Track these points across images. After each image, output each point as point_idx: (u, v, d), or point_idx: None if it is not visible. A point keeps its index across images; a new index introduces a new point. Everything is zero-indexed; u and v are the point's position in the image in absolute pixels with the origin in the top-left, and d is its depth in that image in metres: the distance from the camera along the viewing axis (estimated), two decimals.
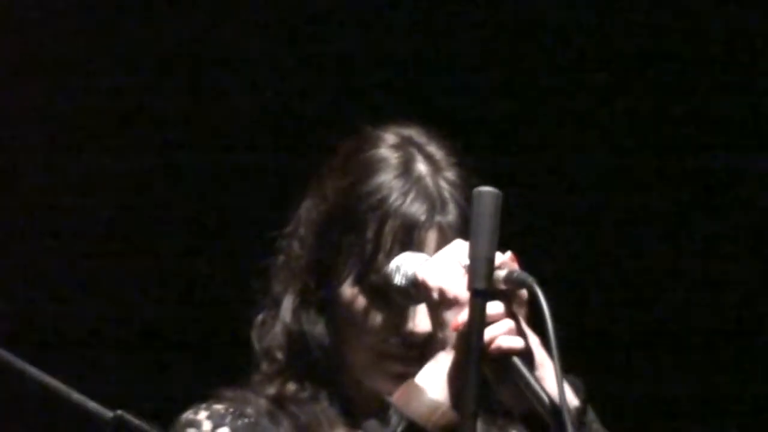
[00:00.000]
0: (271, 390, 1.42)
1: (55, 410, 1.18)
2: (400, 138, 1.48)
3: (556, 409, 1.20)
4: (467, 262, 1.24)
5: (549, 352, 1.22)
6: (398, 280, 1.36)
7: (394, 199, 1.41)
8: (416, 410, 1.29)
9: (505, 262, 1.26)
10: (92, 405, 1.13)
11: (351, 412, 1.41)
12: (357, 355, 1.43)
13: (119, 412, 1.18)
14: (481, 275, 1.23)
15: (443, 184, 1.43)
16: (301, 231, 1.48)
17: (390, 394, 1.33)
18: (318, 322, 1.44)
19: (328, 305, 1.44)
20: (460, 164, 1.47)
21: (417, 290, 1.34)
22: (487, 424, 1.41)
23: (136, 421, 1.18)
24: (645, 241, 3.25)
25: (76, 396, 1.12)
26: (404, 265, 1.36)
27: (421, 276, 1.32)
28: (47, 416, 2.29)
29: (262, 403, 1.41)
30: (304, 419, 1.38)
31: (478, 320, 1.21)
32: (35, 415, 2.27)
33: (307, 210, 1.49)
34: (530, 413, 1.25)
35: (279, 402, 1.41)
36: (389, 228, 1.39)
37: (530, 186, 2.97)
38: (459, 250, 1.30)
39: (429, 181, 1.42)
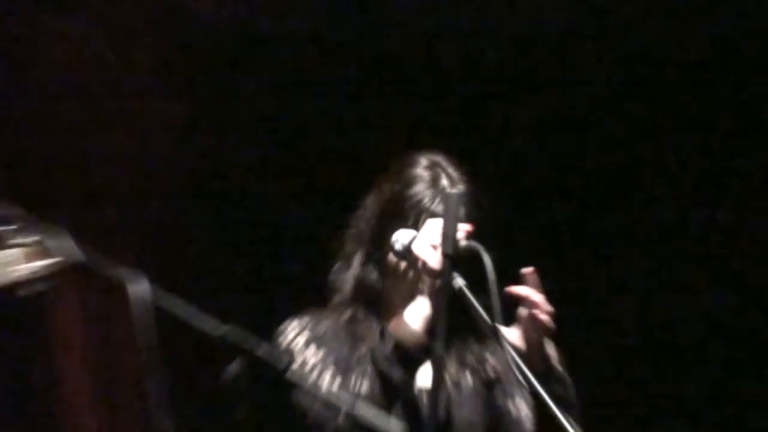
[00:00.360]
0: (339, 314, 2.19)
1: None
2: (431, 162, 2.21)
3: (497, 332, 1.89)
4: (439, 240, 1.95)
5: (491, 310, 1.89)
6: (398, 247, 2.08)
7: (426, 202, 2.14)
8: (402, 335, 2.04)
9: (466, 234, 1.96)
10: (204, 321, 1.80)
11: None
12: (396, 297, 2.16)
13: (229, 327, 1.87)
14: (449, 245, 1.93)
15: (463, 194, 2.12)
16: (367, 215, 2.24)
17: None
18: (374, 273, 2.18)
19: (381, 263, 2.18)
20: (467, 180, 2.18)
21: (410, 256, 2.07)
22: (463, 348, 2.12)
23: (244, 336, 1.85)
24: None
25: (188, 310, 1.78)
26: (401, 239, 2.09)
27: (413, 249, 2.05)
28: None
29: (331, 322, 2.17)
30: (357, 333, 2.13)
31: (447, 274, 1.91)
32: None
33: (371, 202, 2.25)
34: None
35: (343, 322, 2.17)
36: (422, 220, 2.12)
37: None
38: (434, 229, 2.00)
39: (461, 196, 2.12)
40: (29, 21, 3.44)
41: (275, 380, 1.87)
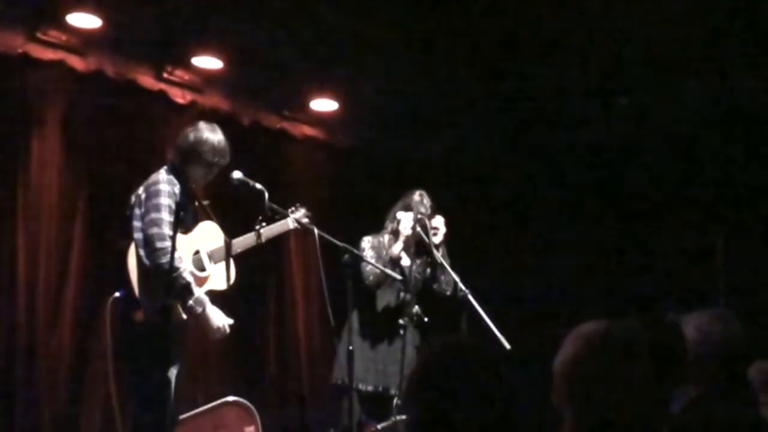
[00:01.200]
0: (383, 237, 6.22)
1: None
2: (419, 192, 6.24)
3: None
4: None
5: (429, 239, 5.80)
6: (398, 218, 6.06)
7: (418, 209, 6.15)
8: (394, 249, 6.08)
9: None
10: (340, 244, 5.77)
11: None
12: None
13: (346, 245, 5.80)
14: (415, 220, 5.89)
15: (429, 204, 6.19)
16: (398, 207, 6.27)
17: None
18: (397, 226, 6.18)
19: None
20: (431, 199, 6.21)
21: (399, 224, 6.10)
22: (420, 251, 6.07)
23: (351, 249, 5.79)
24: None
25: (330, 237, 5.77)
26: (398, 216, 6.12)
27: (402, 222, 6.03)
28: None
29: (379, 239, 6.20)
30: (386, 245, 6.12)
31: (414, 228, 5.82)
32: None
33: (399, 203, 6.29)
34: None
35: (385, 240, 6.20)
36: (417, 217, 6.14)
37: None
38: (410, 215, 5.97)
39: (428, 204, 6.17)
40: None
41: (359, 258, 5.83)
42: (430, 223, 5.90)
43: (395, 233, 6.07)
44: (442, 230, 5.95)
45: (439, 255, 5.86)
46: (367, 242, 6.06)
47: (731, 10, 5.91)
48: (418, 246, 5.98)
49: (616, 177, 7.94)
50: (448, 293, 5.95)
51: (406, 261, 5.97)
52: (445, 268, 5.80)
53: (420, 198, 6.06)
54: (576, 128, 7.74)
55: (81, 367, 6.24)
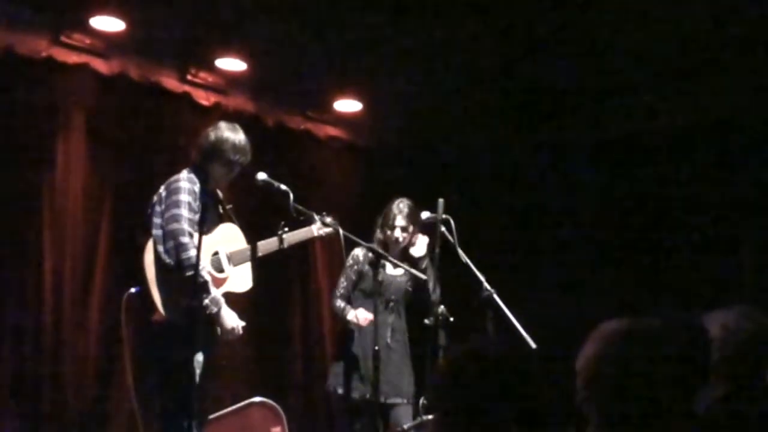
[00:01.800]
0: (372, 246, 6.06)
1: None
2: (399, 200, 6.08)
3: None
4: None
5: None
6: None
7: (394, 213, 6.03)
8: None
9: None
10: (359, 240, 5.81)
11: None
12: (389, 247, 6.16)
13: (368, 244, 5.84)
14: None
15: (407, 212, 6.05)
16: (382, 217, 6.16)
17: None
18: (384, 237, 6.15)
19: (384, 235, 6.13)
20: (412, 205, 6.12)
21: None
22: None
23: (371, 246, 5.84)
24: None
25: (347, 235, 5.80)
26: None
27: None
28: None
29: (368, 250, 6.00)
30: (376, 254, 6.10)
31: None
32: None
33: (384, 212, 6.12)
34: None
35: (374, 252, 6.06)
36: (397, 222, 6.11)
37: None
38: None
39: (406, 211, 6.06)
40: None
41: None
42: (413, 235, 5.96)
43: (382, 243, 6.00)
44: (424, 242, 5.94)
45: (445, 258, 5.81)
46: (359, 250, 5.96)
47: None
48: (403, 254, 5.98)
49: (641, 172, 7.85)
50: (434, 298, 5.69)
51: (390, 270, 5.97)
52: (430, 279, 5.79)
53: (398, 203, 6.00)
54: (597, 127, 7.69)
55: (107, 366, 6.30)
